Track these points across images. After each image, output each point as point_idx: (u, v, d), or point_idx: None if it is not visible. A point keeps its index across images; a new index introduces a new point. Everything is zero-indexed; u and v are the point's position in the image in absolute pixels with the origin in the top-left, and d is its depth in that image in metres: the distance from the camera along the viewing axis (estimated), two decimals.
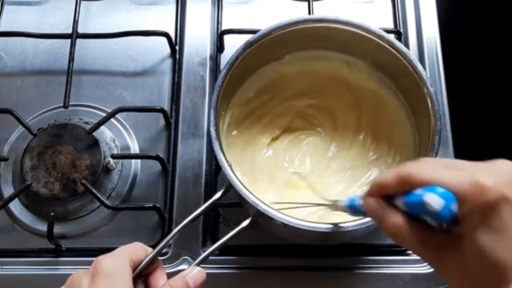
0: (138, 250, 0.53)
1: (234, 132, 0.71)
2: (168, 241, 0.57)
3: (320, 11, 0.82)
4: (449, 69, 0.78)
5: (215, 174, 0.75)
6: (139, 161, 0.77)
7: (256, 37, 0.67)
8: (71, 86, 0.77)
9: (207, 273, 0.55)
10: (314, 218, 0.62)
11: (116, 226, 0.74)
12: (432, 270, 0.70)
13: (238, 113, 0.72)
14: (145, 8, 0.87)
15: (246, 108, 0.73)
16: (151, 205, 0.72)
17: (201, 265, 0.56)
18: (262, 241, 0.71)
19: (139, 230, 0.73)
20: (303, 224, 0.58)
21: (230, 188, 0.61)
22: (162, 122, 0.78)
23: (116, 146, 0.77)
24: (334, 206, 0.57)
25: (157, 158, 0.74)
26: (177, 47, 0.82)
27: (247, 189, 0.60)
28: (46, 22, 0.86)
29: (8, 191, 0.75)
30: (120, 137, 0.78)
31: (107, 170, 0.75)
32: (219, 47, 0.82)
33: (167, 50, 0.83)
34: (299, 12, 0.82)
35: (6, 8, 0.87)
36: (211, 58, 0.82)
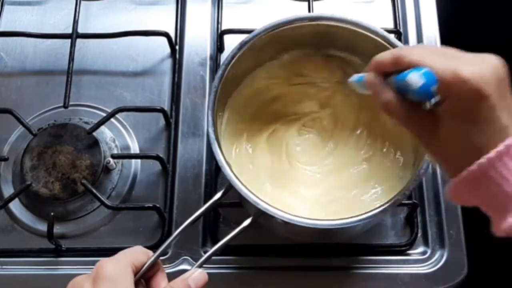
0: (139, 254, 0.54)
1: (233, 131, 0.71)
2: (169, 243, 0.57)
3: (320, 11, 0.82)
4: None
5: (215, 174, 0.75)
6: (139, 161, 0.77)
7: (251, 36, 0.67)
8: (71, 86, 0.77)
9: (207, 273, 0.55)
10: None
11: (116, 226, 0.74)
12: (431, 269, 0.70)
13: (236, 112, 0.72)
14: (145, 8, 0.87)
15: (244, 108, 0.72)
16: (151, 205, 0.72)
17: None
18: (262, 241, 0.71)
19: (139, 230, 0.73)
20: (304, 221, 0.58)
21: (230, 188, 0.61)
22: (162, 122, 0.78)
23: (116, 146, 0.77)
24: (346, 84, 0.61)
25: (157, 158, 0.74)
26: (177, 47, 0.82)
27: (247, 188, 0.60)
28: (46, 22, 0.86)
29: (8, 191, 0.75)
30: (120, 137, 0.78)
31: (107, 170, 0.75)
32: (219, 47, 0.82)
33: (167, 50, 0.83)
34: (299, 12, 0.82)
35: (6, 8, 0.87)
36: (211, 58, 0.82)
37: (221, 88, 0.65)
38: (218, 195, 0.61)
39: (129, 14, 0.87)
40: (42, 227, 0.73)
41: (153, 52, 0.83)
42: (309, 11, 0.81)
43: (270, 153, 0.71)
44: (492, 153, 0.44)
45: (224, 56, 0.80)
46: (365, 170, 0.69)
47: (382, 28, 0.67)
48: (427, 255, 0.71)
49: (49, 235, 0.70)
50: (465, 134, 0.45)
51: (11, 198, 0.72)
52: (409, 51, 0.49)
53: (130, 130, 0.79)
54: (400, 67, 0.48)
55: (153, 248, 0.57)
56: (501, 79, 0.45)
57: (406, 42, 0.82)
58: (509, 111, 0.45)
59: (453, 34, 0.83)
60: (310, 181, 0.69)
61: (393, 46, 0.66)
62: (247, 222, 0.59)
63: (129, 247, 0.55)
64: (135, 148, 0.78)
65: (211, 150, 0.63)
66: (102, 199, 0.71)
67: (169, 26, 0.83)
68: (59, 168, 0.73)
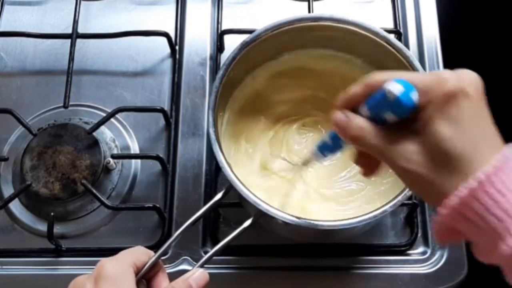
0: (140, 254, 0.54)
1: (233, 132, 0.71)
2: (170, 244, 0.57)
3: (320, 11, 0.82)
4: (449, 69, 0.78)
5: (215, 174, 0.75)
6: (139, 161, 0.77)
7: (252, 37, 0.67)
8: (71, 86, 0.77)
9: (208, 273, 0.55)
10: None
11: (116, 226, 0.74)
12: (431, 269, 0.70)
13: (236, 112, 0.72)
14: (145, 8, 0.87)
15: (244, 108, 0.72)
16: (151, 205, 0.72)
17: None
18: (262, 241, 0.71)
19: (139, 230, 0.73)
20: (305, 222, 0.58)
21: (230, 188, 0.61)
22: (162, 122, 0.78)
23: (116, 146, 0.77)
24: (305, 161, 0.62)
25: (157, 158, 0.74)
26: (177, 47, 0.82)
27: (248, 189, 0.60)
28: (46, 22, 0.86)
29: (8, 191, 0.75)
30: (120, 137, 0.78)
31: (107, 170, 0.75)
32: (219, 47, 0.82)
33: (167, 50, 0.83)
34: (299, 12, 0.82)
35: (6, 8, 0.87)
36: (211, 58, 0.82)
37: (222, 88, 0.65)
38: (218, 195, 0.61)
39: (129, 14, 0.86)
40: (42, 227, 0.72)
41: (153, 52, 0.83)
42: (309, 11, 0.81)
43: (270, 153, 0.71)
44: (488, 168, 0.41)
45: (224, 56, 0.80)
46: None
47: (382, 28, 0.67)
48: (427, 255, 0.71)
49: (49, 235, 0.70)
50: (450, 139, 0.43)
51: (11, 198, 0.72)
52: (381, 72, 0.47)
53: (130, 130, 0.79)
54: (372, 89, 0.46)
55: (153, 248, 0.57)
56: (480, 87, 0.44)
57: (406, 42, 0.82)
58: (489, 117, 0.44)
59: (453, 34, 0.84)
60: (310, 180, 0.69)
61: (393, 46, 0.66)
62: (247, 222, 0.59)
63: (129, 247, 0.55)
64: (135, 148, 0.78)
65: (211, 150, 0.63)
66: (102, 199, 0.71)
67: (169, 26, 0.83)
68: (59, 168, 0.73)
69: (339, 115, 0.48)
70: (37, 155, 0.74)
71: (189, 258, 0.70)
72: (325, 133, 0.73)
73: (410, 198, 0.72)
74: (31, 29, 0.83)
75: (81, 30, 0.81)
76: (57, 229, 0.72)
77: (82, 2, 0.84)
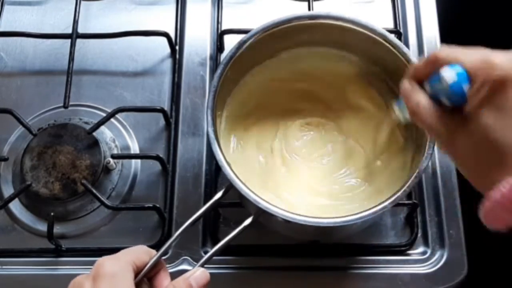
0: (141, 254, 0.54)
1: (233, 130, 0.71)
2: (170, 244, 0.57)
3: (320, 10, 0.82)
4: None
5: (215, 174, 0.75)
6: (139, 161, 0.77)
7: (249, 35, 0.67)
8: (71, 86, 0.77)
9: (208, 272, 0.55)
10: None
11: (116, 226, 0.74)
12: (431, 269, 0.70)
13: (235, 111, 0.72)
14: (145, 8, 0.87)
15: (243, 107, 0.73)
16: (151, 205, 0.72)
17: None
18: (262, 241, 0.71)
19: (139, 230, 0.73)
20: (306, 220, 0.58)
21: (230, 187, 0.61)
22: (162, 122, 0.78)
23: (116, 146, 0.77)
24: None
25: (157, 158, 0.74)
26: (177, 47, 0.82)
27: (248, 188, 0.60)
28: (46, 22, 0.86)
29: (8, 191, 0.75)
30: (120, 137, 0.78)
31: (107, 170, 0.75)
32: (219, 47, 0.82)
33: (167, 50, 0.83)
34: (299, 12, 0.82)
35: (6, 8, 0.87)
36: (211, 58, 0.82)
37: (220, 87, 0.65)
38: (218, 194, 0.61)
39: (129, 14, 0.86)
40: (42, 227, 0.72)
41: (153, 52, 0.83)
42: (309, 10, 0.81)
43: (270, 151, 0.71)
44: None
45: (223, 56, 0.80)
46: (363, 169, 0.70)
47: (382, 28, 0.67)
48: (427, 255, 0.71)
49: (49, 235, 0.70)
50: (495, 125, 0.43)
51: (11, 198, 0.72)
52: (441, 49, 0.48)
53: (130, 130, 0.79)
54: (435, 67, 0.47)
55: (153, 248, 0.57)
56: None
57: (406, 42, 0.82)
58: None
59: (453, 34, 0.83)
60: (310, 178, 0.69)
61: (391, 43, 0.66)
62: (248, 221, 0.60)
63: (129, 247, 0.55)
64: (135, 148, 0.78)
65: (211, 150, 0.63)
66: (102, 199, 0.71)
67: (169, 26, 0.83)
68: (59, 168, 0.73)
69: (405, 84, 0.50)
70: (37, 155, 0.74)
71: (189, 258, 0.70)
72: (324, 132, 0.73)
73: (410, 197, 0.72)
74: (31, 29, 0.83)
75: (81, 30, 0.81)
76: (57, 229, 0.72)
77: (82, 2, 0.84)
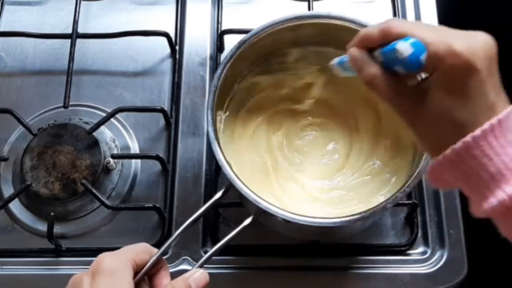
0: (141, 252, 0.53)
1: (233, 130, 0.71)
2: (170, 244, 0.57)
3: (320, 10, 0.82)
4: None
5: (215, 174, 0.75)
6: (139, 161, 0.77)
7: (249, 35, 0.68)
8: (71, 86, 0.77)
9: (207, 273, 0.55)
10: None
11: (116, 226, 0.74)
12: (431, 269, 0.70)
13: (235, 111, 0.72)
14: (145, 8, 0.87)
15: (243, 107, 0.73)
16: (151, 205, 0.72)
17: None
18: (262, 241, 0.71)
19: (139, 230, 0.73)
20: (306, 220, 0.58)
21: (230, 187, 0.61)
22: (162, 122, 0.78)
23: (116, 146, 0.77)
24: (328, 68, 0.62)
25: (157, 158, 0.74)
26: (177, 47, 0.82)
27: (247, 187, 0.60)
28: (46, 22, 0.86)
29: (8, 191, 0.75)
30: (120, 137, 0.78)
31: (107, 170, 0.75)
32: (219, 47, 0.82)
33: (167, 50, 0.83)
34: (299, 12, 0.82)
35: (6, 8, 0.87)
36: (211, 58, 0.82)
37: (220, 87, 0.65)
38: (218, 194, 0.61)
39: (129, 14, 0.87)
40: (42, 227, 0.73)
41: (153, 52, 0.83)
42: (309, 10, 0.81)
43: (270, 150, 0.71)
44: (477, 131, 0.44)
45: (223, 56, 0.80)
46: (364, 169, 0.70)
47: None
48: (427, 255, 0.71)
49: (49, 235, 0.70)
50: (452, 109, 0.45)
51: (11, 198, 0.72)
52: (398, 22, 0.48)
53: (130, 130, 0.79)
54: (388, 39, 0.47)
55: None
56: (492, 56, 0.45)
57: None
58: (496, 89, 0.45)
59: None
60: (310, 177, 0.69)
61: None
62: (247, 221, 0.59)
63: None
64: (135, 148, 0.78)
65: (211, 150, 0.63)
66: (102, 199, 0.71)
67: (169, 26, 0.83)
68: (59, 168, 0.73)
69: (355, 52, 0.50)
70: (37, 155, 0.74)
71: (189, 258, 0.70)
72: (327, 133, 0.73)
73: (410, 197, 0.72)
74: (31, 29, 0.84)
75: (81, 30, 0.81)
76: (57, 229, 0.72)
77: (82, 2, 0.84)
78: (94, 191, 0.71)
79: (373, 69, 0.48)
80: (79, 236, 0.74)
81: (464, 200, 0.71)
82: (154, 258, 0.54)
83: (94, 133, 0.75)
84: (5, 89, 0.82)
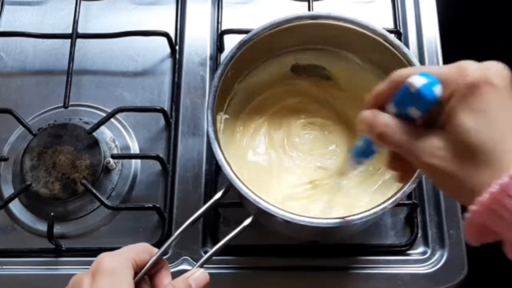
0: (141, 252, 0.54)
1: (233, 130, 0.71)
2: (170, 244, 0.57)
3: (320, 11, 0.82)
4: None
5: (215, 174, 0.75)
6: (139, 161, 0.77)
7: (250, 35, 0.67)
8: (71, 86, 0.77)
9: (207, 273, 0.55)
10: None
11: (116, 226, 0.74)
12: (431, 269, 0.70)
13: (235, 111, 0.72)
14: (145, 8, 0.87)
15: (243, 107, 0.73)
16: (151, 205, 0.72)
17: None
18: (262, 241, 0.71)
19: (139, 230, 0.73)
20: (306, 220, 0.58)
21: (230, 187, 0.61)
22: (162, 122, 0.78)
23: (116, 146, 0.77)
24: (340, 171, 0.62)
25: (157, 158, 0.74)
26: (177, 47, 0.82)
27: (247, 187, 0.60)
28: (46, 22, 0.86)
29: (8, 191, 0.75)
30: (120, 137, 0.78)
31: (107, 170, 0.75)
32: (219, 47, 0.82)
33: (167, 50, 0.83)
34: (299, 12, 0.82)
35: (6, 8, 0.87)
36: (211, 58, 0.82)
37: (220, 87, 0.65)
38: (218, 194, 0.61)
39: (129, 14, 0.87)
40: (42, 227, 0.72)
41: (153, 52, 0.83)
42: (309, 11, 0.81)
43: (270, 150, 0.71)
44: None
45: (224, 56, 0.80)
46: (364, 170, 0.69)
47: (382, 28, 0.67)
48: (427, 255, 0.71)
49: (49, 235, 0.70)
50: (473, 127, 0.42)
51: (11, 198, 0.72)
52: (404, 69, 0.47)
53: (130, 130, 0.79)
54: (398, 85, 0.46)
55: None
56: (506, 77, 0.43)
57: (406, 42, 0.82)
58: None
59: (453, 34, 0.84)
60: (310, 177, 0.69)
61: (391, 44, 0.66)
62: (247, 221, 0.59)
63: None
64: (135, 148, 0.78)
65: (211, 150, 0.63)
66: (102, 199, 0.71)
67: (169, 26, 0.83)
68: (59, 168, 0.73)
69: (366, 113, 0.48)
70: (37, 155, 0.74)
71: (189, 258, 0.70)
72: (328, 133, 0.73)
73: (410, 197, 0.72)
74: (31, 29, 0.83)
75: (81, 30, 0.81)
76: (57, 229, 0.72)
77: (82, 2, 0.84)
78: (94, 191, 0.71)
79: (386, 118, 0.46)
80: (79, 236, 0.74)
81: None
82: (154, 258, 0.54)
83: (94, 133, 0.75)
84: (5, 89, 0.82)
